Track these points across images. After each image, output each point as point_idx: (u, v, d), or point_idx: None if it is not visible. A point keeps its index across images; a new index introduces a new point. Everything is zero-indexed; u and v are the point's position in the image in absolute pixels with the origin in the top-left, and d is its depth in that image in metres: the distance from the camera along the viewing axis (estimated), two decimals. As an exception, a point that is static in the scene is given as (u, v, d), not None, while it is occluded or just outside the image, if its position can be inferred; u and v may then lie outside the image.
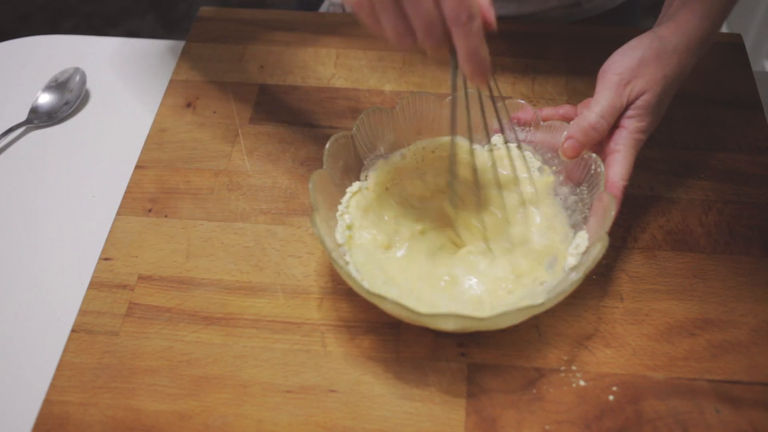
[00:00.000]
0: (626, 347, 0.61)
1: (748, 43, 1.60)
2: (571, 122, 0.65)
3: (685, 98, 0.78)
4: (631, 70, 0.63)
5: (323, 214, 0.62)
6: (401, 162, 0.69)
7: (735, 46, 0.84)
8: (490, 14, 0.53)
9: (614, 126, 0.64)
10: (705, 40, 0.66)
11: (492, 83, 0.60)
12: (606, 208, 0.60)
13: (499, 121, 0.65)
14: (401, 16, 0.52)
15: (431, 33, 0.52)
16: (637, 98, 0.64)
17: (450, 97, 0.62)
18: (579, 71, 0.82)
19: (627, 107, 0.64)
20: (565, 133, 0.65)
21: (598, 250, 0.57)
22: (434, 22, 0.51)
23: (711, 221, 0.69)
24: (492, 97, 0.63)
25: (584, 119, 0.64)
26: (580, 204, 0.65)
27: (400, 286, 0.62)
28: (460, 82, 0.60)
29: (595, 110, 0.63)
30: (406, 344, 0.62)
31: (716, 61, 0.82)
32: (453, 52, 0.54)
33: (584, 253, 0.61)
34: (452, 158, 0.66)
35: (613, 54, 0.65)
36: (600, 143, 0.66)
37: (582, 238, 0.62)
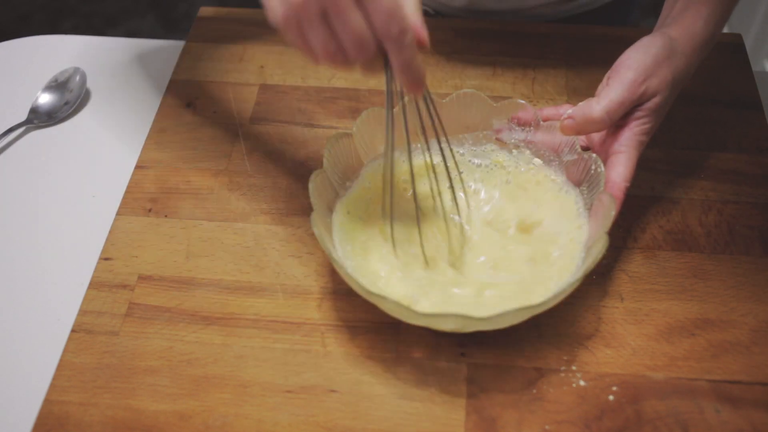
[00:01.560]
0: (626, 347, 0.61)
1: (748, 43, 1.60)
2: (579, 103, 0.64)
3: (686, 98, 0.78)
4: (646, 68, 0.63)
5: (323, 214, 0.62)
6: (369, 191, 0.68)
7: (735, 46, 0.84)
8: (423, 33, 0.52)
9: (618, 126, 0.64)
10: (709, 42, 0.66)
11: (426, 93, 0.59)
12: (606, 208, 0.60)
13: (435, 130, 0.62)
14: (329, 33, 0.50)
15: (363, 49, 0.50)
16: (648, 99, 0.63)
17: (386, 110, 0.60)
18: (579, 71, 0.82)
19: (636, 106, 0.64)
20: (569, 111, 0.64)
21: (598, 250, 0.57)
22: (365, 38, 0.50)
23: (711, 221, 0.69)
24: (428, 106, 0.60)
25: (589, 108, 0.63)
26: (579, 203, 0.65)
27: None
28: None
29: (602, 103, 0.62)
30: (406, 344, 0.62)
31: (716, 61, 0.82)
32: (386, 64, 0.53)
33: (586, 253, 0.61)
34: (389, 173, 0.63)
35: (627, 50, 0.65)
36: (603, 143, 0.66)
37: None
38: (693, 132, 0.76)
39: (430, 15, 0.94)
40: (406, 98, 0.61)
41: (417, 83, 0.53)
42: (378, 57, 0.52)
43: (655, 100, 0.63)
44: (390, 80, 0.56)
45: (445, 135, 0.63)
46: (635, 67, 0.63)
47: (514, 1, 0.89)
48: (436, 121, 0.61)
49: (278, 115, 0.79)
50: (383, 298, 0.55)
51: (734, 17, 1.75)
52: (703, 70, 0.80)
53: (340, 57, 0.51)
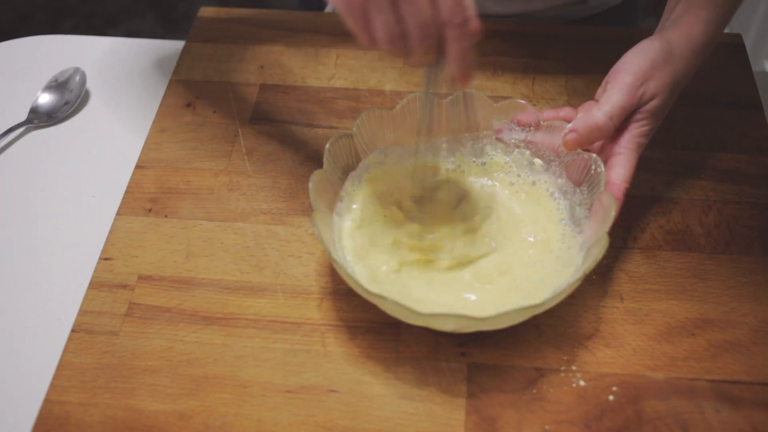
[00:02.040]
0: (626, 347, 0.61)
1: (748, 43, 1.60)
2: (579, 115, 0.64)
3: (686, 98, 0.78)
4: (644, 72, 0.63)
5: (323, 214, 0.62)
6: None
7: (735, 46, 0.84)
8: (477, 24, 0.53)
9: (618, 129, 0.64)
10: (709, 45, 0.66)
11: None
12: (606, 209, 0.60)
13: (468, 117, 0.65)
14: (396, 17, 0.51)
15: (426, 35, 0.51)
16: (647, 102, 0.63)
17: (421, 97, 0.63)
18: (579, 71, 0.82)
19: (635, 109, 0.64)
20: (570, 125, 0.64)
21: (598, 250, 0.57)
22: (430, 24, 0.51)
23: (711, 221, 0.69)
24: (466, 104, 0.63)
25: (591, 117, 0.63)
26: (578, 206, 0.65)
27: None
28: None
29: (603, 109, 0.63)
30: (406, 344, 0.62)
31: (716, 61, 0.82)
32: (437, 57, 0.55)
33: (586, 253, 0.61)
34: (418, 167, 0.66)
35: (625, 54, 0.65)
36: (603, 146, 0.66)
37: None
38: (693, 132, 0.76)
39: None
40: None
41: (467, 73, 0.55)
42: (434, 47, 0.53)
43: (654, 103, 0.63)
44: (432, 74, 0.57)
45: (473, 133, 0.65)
46: (633, 72, 0.63)
47: (521, 5, 0.89)
48: (471, 119, 0.63)
49: (278, 115, 0.79)
50: (383, 298, 0.55)
51: (734, 17, 1.75)
52: (703, 70, 0.80)
53: (402, 43, 0.52)
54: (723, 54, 0.83)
